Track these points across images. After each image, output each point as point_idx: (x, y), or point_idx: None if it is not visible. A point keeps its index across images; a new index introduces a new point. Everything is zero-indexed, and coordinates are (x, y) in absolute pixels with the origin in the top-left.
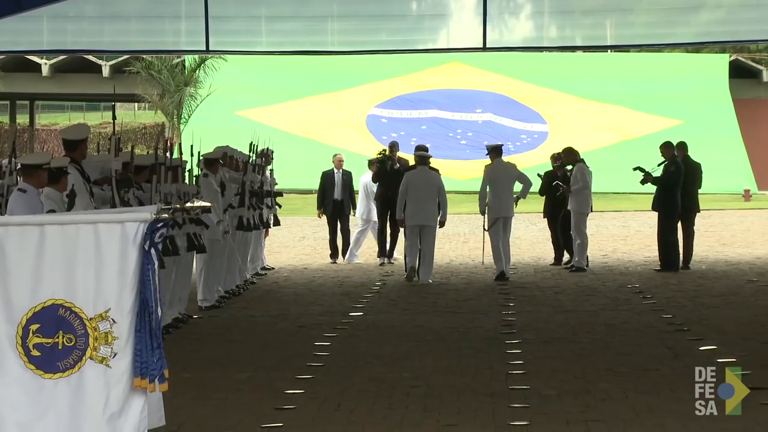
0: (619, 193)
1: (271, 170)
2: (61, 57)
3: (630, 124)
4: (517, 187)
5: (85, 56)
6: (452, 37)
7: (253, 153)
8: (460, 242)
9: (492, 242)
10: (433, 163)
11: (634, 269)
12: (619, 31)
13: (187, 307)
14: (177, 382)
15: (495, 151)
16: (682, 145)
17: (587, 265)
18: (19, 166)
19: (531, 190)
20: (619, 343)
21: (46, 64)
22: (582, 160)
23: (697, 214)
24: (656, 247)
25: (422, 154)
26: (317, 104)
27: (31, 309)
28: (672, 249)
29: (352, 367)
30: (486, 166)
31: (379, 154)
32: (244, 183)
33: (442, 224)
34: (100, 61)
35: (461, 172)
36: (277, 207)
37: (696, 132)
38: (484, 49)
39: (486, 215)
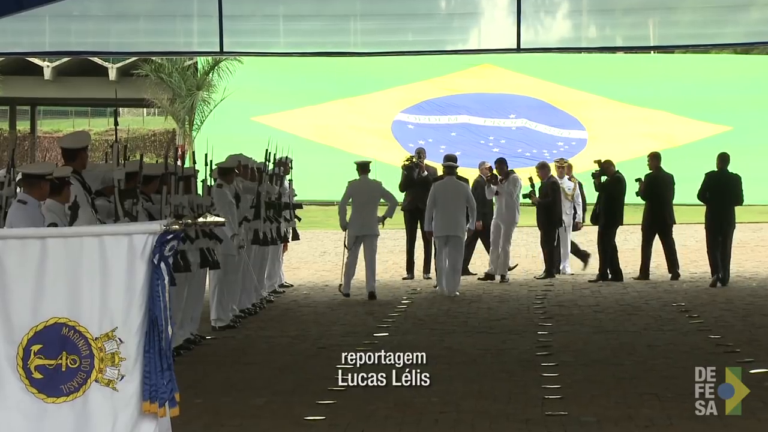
0: None
1: (290, 180)
2: (65, 59)
3: (674, 131)
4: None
5: (90, 58)
6: (484, 37)
7: (270, 162)
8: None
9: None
10: (464, 172)
11: (680, 286)
12: (662, 30)
13: (199, 328)
14: (188, 407)
15: (362, 168)
16: (656, 156)
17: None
18: (19, 176)
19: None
20: (664, 366)
21: (48, 66)
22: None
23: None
24: (704, 263)
25: (450, 164)
26: (339, 109)
27: (32, 328)
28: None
29: (376, 391)
30: (349, 182)
31: (406, 161)
32: (259, 194)
33: (470, 233)
34: (106, 64)
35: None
36: (296, 220)
37: (745, 139)
38: (518, 50)
39: (347, 232)
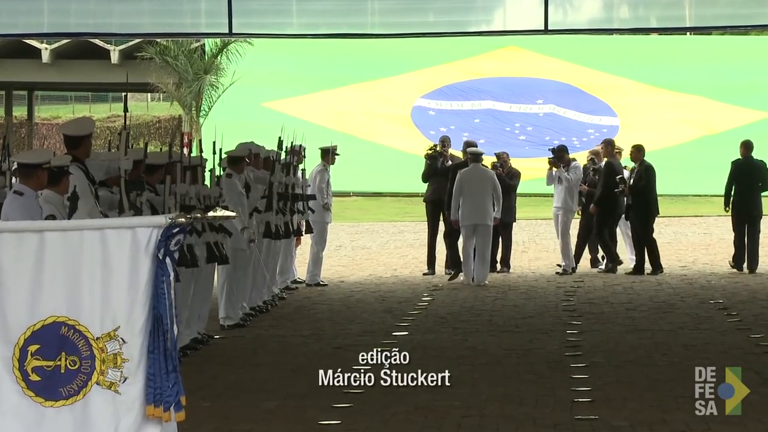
0: (700, 195)
1: (303, 170)
2: (64, 41)
3: (712, 117)
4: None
5: (91, 40)
6: (509, 17)
7: (283, 150)
8: (519, 251)
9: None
10: (487, 160)
11: (717, 282)
12: (699, 10)
13: (207, 327)
14: (196, 411)
15: (324, 154)
16: (640, 147)
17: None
18: (14, 165)
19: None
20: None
21: (46, 49)
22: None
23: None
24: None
25: (476, 151)
26: (355, 94)
27: (29, 327)
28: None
29: (396, 394)
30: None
31: (430, 150)
32: (271, 184)
33: (497, 221)
34: (108, 46)
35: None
36: (309, 212)
37: None
38: (546, 31)
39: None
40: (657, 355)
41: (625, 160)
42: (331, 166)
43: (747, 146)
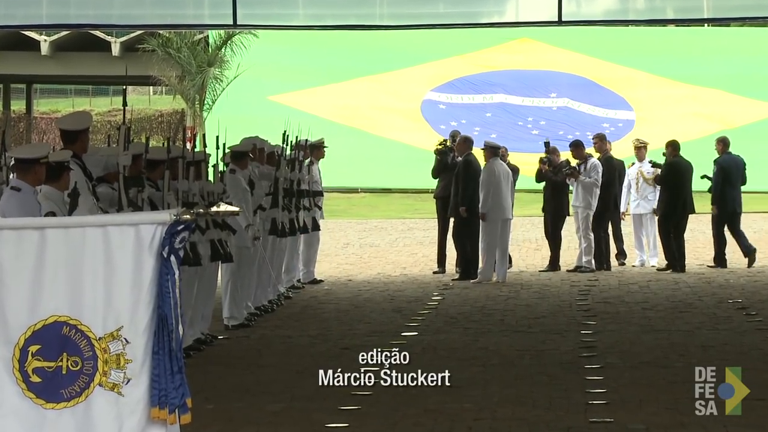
0: None
1: (309, 165)
2: (64, 33)
3: (731, 111)
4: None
5: (92, 32)
6: (522, 8)
7: (288, 145)
8: (532, 249)
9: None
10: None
11: (736, 281)
12: (717, 1)
13: (210, 327)
14: (199, 414)
15: (314, 149)
16: (674, 144)
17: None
18: (12, 160)
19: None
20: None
21: (45, 41)
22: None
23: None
24: (763, 255)
25: (494, 144)
26: (363, 88)
27: (29, 327)
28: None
29: (405, 396)
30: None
31: (440, 145)
32: (276, 180)
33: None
34: (108, 38)
35: (533, 167)
36: (316, 208)
37: None
38: (560, 22)
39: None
40: (674, 356)
41: (651, 155)
42: (321, 160)
43: (725, 143)
